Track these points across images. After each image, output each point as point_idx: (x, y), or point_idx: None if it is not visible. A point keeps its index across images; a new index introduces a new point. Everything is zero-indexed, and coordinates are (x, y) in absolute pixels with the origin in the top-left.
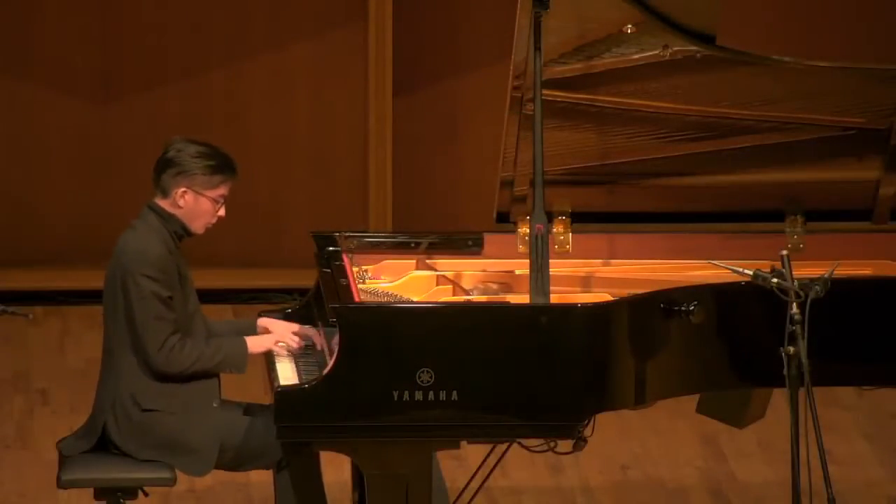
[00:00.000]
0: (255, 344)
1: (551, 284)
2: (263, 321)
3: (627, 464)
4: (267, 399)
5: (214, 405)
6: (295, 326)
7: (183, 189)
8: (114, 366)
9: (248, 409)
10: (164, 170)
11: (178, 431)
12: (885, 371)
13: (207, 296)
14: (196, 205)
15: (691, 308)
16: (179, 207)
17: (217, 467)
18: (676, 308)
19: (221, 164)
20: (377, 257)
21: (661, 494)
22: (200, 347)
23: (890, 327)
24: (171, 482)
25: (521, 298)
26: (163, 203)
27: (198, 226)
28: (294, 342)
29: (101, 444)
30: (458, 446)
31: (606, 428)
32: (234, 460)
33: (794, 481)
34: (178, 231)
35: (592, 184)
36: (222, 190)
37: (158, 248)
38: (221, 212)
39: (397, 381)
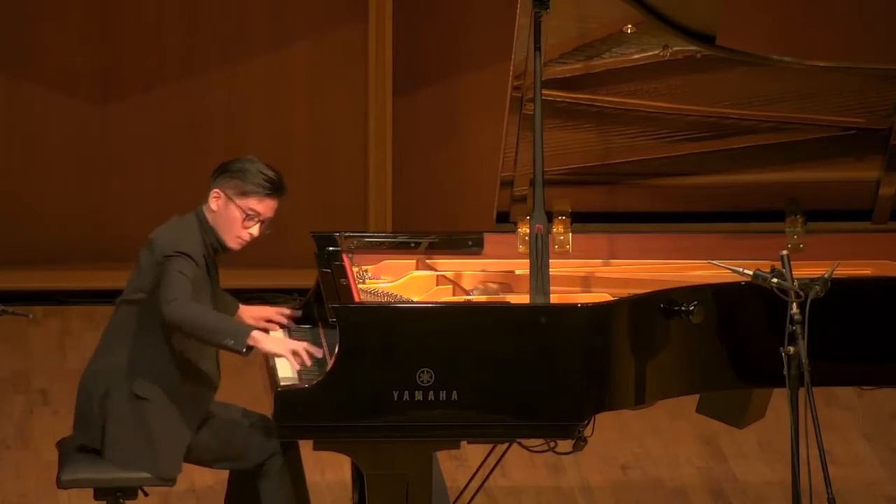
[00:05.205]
0: (263, 338)
1: (551, 284)
2: (244, 309)
3: (627, 464)
4: (267, 398)
5: (195, 430)
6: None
7: (217, 190)
8: (124, 341)
9: (230, 410)
10: (214, 172)
11: (155, 429)
12: (886, 371)
13: None
14: (226, 210)
15: (691, 308)
16: (212, 210)
17: (194, 462)
18: (676, 308)
19: (261, 179)
20: (377, 257)
21: (661, 494)
22: (213, 311)
23: (890, 327)
24: (171, 482)
25: (521, 298)
26: (205, 208)
27: (229, 238)
28: (307, 359)
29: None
30: (458, 446)
31: (606, 428)
32: (211, 460)
33: (794, 481)
34: (214, 244)
35: (592, 184)
36: (252, 203)
37: (193, 239)
38: (255, 230)
39: (397, 380)
